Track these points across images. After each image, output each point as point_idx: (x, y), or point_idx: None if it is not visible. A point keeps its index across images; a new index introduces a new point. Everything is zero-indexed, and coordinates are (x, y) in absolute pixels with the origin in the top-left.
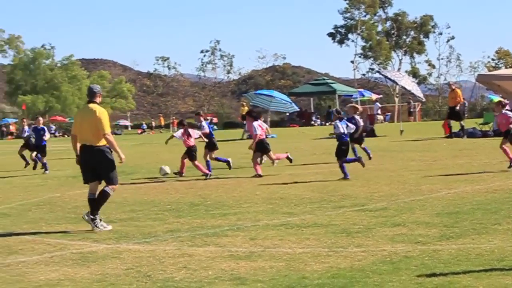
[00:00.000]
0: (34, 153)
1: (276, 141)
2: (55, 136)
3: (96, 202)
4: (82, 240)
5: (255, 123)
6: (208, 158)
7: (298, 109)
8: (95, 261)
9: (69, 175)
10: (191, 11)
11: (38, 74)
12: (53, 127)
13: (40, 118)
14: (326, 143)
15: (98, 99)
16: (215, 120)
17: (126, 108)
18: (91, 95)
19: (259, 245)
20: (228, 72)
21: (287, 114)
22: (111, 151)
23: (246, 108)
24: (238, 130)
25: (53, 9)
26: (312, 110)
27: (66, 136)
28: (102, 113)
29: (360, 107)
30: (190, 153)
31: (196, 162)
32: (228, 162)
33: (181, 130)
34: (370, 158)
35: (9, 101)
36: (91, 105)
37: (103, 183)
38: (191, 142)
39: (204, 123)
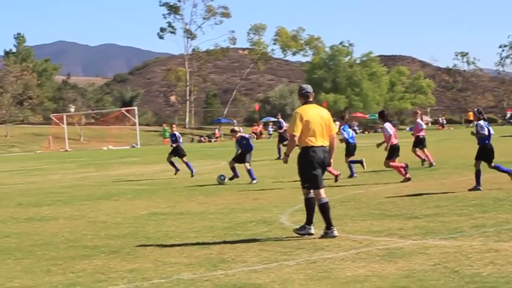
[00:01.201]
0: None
1: None
2: (356, 133)
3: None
4: (388, 236)
5: (387, 125)
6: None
7: None
8: (402, 257)
9: (373, 171)
10: (489, 7)
11: (338, 71)
12: (355, 123)
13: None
14: None
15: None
16: None
17: (426, 104)
18: (308, 96)
19: None
20: None
21: None
22: None
23: None
24: None
25: (352, 8)
26: None
27: (366, 132)
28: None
29: None
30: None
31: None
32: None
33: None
34: None
35: None
36: (317, 106)
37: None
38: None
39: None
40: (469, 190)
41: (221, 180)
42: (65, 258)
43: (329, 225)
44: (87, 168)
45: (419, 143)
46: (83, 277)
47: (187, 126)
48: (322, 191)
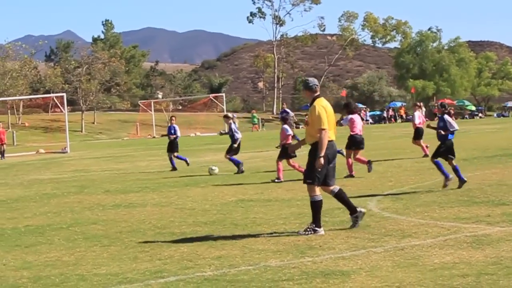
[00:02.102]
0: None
1: None
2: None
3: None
4: (475, 223)
5: (353, 116)
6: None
7: None
8: (490, 244)
9: (460, 158)
10: None
11: (426, 57)
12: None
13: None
14: None
15: None
16: None
17: None
18: (317, 89)
19: None
20: None
21: None
22: None
23: None
24: None
25: None
26: None
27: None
28: None
29: None
30: (285, 151)
31: (291, 161)
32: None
33: (287, 126)
34: None
35: (397, 85)
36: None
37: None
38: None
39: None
40: (443, 187)
41: (211, 170)
42: (152, 245)
43: (318, 223)
44: None
45: (419, 135)
46: (170, 264)
47: (274, 113)
48: (318, 189)
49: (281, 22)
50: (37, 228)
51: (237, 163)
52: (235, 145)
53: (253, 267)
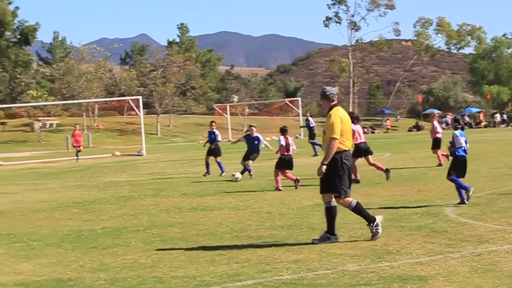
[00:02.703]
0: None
1: None
2: (508, 125)
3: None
4: None
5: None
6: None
7: None
8: None
9: None
10: None
11: (501, 63)
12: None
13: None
14: None
15: None
16: None
17: None
18: (334, 98)
19: None
20: None
21: None
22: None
23: None
24: None
25: None
26: None
27: None
28: None
29: None
30: (281, 162)
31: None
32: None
33: (283, 137)
34: None
35: (472, 91)
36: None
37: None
38: (288, 151)
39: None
40: (467, 200)
41: (233, 176)
42: (230, 248)
43: (371, 219)
44: None
45: (437, 144)
46: (248, 267)
47: None
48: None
49: (356, 27)
50: (113, 230)
51: (248, 171)
52: (256, 154)
53: (330, 271)
